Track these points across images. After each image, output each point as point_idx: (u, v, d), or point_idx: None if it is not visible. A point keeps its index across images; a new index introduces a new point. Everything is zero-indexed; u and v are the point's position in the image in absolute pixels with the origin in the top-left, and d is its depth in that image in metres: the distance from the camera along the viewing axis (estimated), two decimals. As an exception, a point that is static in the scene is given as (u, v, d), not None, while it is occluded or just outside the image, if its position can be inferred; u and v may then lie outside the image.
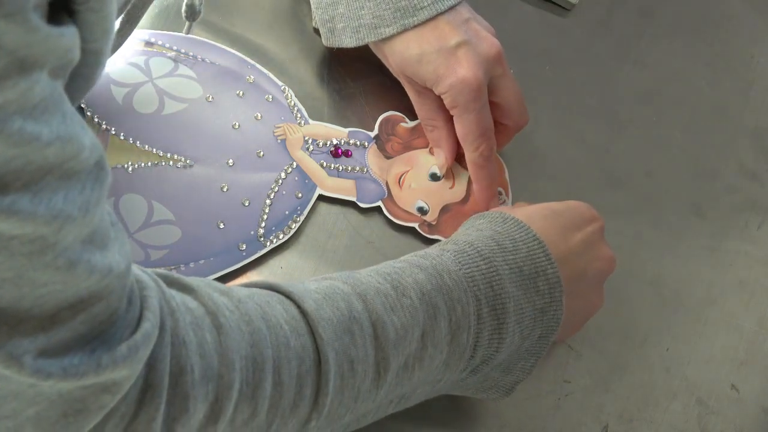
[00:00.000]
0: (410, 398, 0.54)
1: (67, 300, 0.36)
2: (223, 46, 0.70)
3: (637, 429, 0.63)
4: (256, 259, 0.63)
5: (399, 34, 0.64)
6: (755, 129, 0.77)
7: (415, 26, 0.64)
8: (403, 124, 0.70)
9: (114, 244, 0.39)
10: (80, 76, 0.40)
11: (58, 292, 0.36)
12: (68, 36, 0.35)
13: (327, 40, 0.69)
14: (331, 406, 0.48)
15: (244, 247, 0.63)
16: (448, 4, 0.64)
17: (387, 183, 0.68)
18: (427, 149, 0.69)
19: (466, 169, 0.68)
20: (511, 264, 0.54)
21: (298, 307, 0.49)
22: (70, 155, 0.35)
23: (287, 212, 0.65)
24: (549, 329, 0.56)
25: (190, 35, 0.70)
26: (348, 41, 0.67)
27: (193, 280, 0.47)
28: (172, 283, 0.46)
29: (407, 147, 0.69)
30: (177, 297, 0.44)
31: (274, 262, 0.64)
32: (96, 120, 0.64)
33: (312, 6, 0.70)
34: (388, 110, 0.71)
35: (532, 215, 0.58)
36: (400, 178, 0.68)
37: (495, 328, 0.53)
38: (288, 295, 0.49)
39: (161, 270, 0.47)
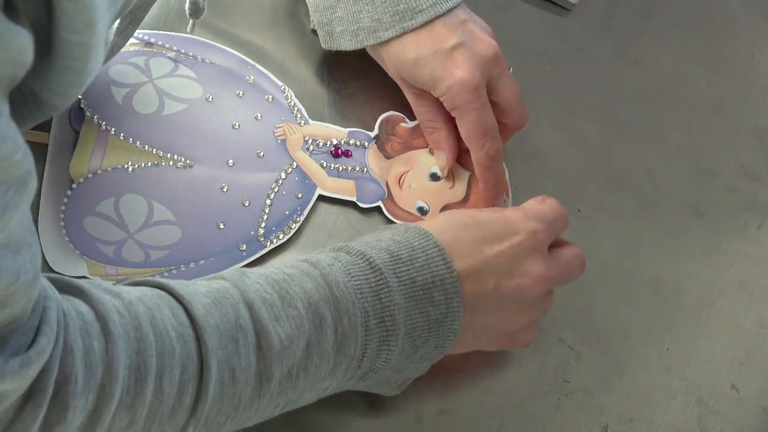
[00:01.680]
0: (297, 402, 0.53)
1: None
2: (223, 46, 0.70)
3: (637, 429, 0.63)
4: (256, 259, 0.63)
5: (397, 37, 0.64)
6: (755, 129, 0.77)
7: (414, 29, 0.64)
8: (403, 124, 0.70)
9: (27, 252, 0.38)
10: (69, 70, 0.40)
11: None
12: (23, 36, 0.34)
13: (325, 43, 0.69)
14: (209, 413, 0.48)
15: (245, 247, 0.63)
16: (447, 6, 0.64)
17: (387, 183, 0.68)
18: (427, 149, 0.69)
19: (467, 169, 0.68)
20: (401, 276, 0.54)
21: (187, 311, 0.48)
22: (5, 155, 0.34)
23: (287, 212, 0.65)
24: (445, 339, 0.55)
25: (189, 35, 0.70)
26: (346, 44, 0.67)
27: (82, 283, 0.46)
28: (63, 287, 0.45)
29: (407, 147, 0.69)
30: (69, 301, 0.44)
31: (274, 263, 0.64)
32: (96, 120, 0.64)
33: (309, 9, 0.70)
34: (388, 110, 0.71)
35: (449, 222, 0.57)
36: (400, 178, 0.68)
37: (383, 339, 0.53)
38: (178, 299, 0.49)
39: (49, 274, 0.46)
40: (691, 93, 0.78)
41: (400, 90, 0.69)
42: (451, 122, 0.66)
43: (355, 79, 0.72)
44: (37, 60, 0.37)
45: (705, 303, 0.69)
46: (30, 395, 0.40)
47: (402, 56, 0.65)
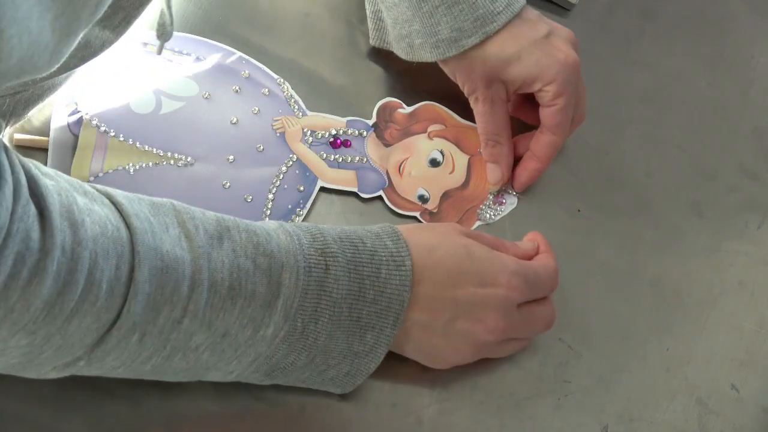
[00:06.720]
0: (196, 368, 0.52)
1: None
2: (217, 43, 0.70)
3: (637, 429, 0.63)
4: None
5: (490, 38, 0.64)
6: (755, 129, 0.77)
7: (495, 33, 0.63)
8: (400, 110, 0.70)
9: None
10: None
11: None
12: None
13: (407, 55, 0.68)
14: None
15: (244, 244, 0.63)
16: (520, 5, 0.64)
17: (387, 172, 0.68)
18: (426, 134, 0.69)
19: (465, 153, 0.68)
20: (352, 310, 0.54)
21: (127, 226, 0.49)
22: None
23: (290, 206, 0.65)
24: (357, 371, 0.56)
25: (188, 35, 0.70)
26: (427, 56, 0.66)
27: (52, 201, 0.46)
28: (34, 191, 0.45)
29: (406, 133, 0.69)
30: (26, 217, 0.44)
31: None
32: (94, 123, 0.64)
33: (388, 22, 0.68)
34: (385, 96, 0.70)
35: (445, 241, 0.58)
36: (400, 166, 0.68)
37: (299, 344, 0.53)
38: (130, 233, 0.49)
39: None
40: (691, 93, 0.78)
41: (396, 75, 0.68)
42: (511, 138, 0.67)
43: (350, 66, 0.72)
44: None
45: (705, 303, 0.69)
46: None
47: (502, 54, 0.64)
